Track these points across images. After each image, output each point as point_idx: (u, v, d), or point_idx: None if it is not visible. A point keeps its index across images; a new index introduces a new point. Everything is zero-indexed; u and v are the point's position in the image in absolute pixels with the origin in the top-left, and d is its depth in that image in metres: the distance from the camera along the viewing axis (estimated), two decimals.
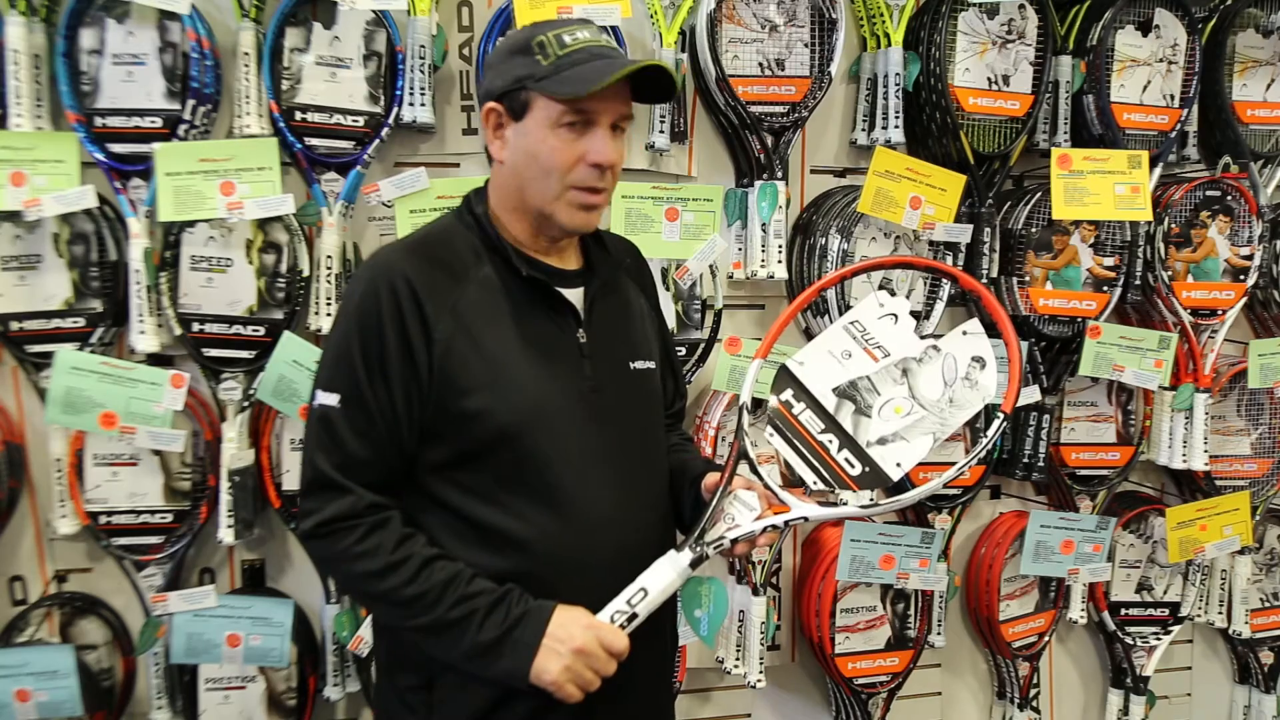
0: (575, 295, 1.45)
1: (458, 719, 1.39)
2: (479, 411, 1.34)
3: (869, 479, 1.29)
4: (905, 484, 1.31)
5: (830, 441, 1.30)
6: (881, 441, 1.29)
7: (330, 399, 1.34)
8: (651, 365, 1.54)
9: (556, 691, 1.29)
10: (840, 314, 2.21)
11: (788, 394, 1.33)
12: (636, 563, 1.37)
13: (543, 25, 1.38)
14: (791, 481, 1.37)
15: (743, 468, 1.40)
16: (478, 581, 1.33)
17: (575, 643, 1.28)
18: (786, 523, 1.33)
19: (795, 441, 1.33)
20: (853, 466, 1.29)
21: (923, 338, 1.35)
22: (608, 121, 1.36)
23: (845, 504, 1.32)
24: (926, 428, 1.29)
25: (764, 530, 1.34)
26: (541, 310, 1.42)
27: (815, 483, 1.33)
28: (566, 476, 1.38)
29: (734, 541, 1.35)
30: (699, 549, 1.34)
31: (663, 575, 1.32)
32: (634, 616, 1.31)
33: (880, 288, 2.34)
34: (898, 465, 1.28)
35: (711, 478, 1.44)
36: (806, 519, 1.32)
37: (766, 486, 1.37)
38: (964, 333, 1.33)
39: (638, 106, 2.30)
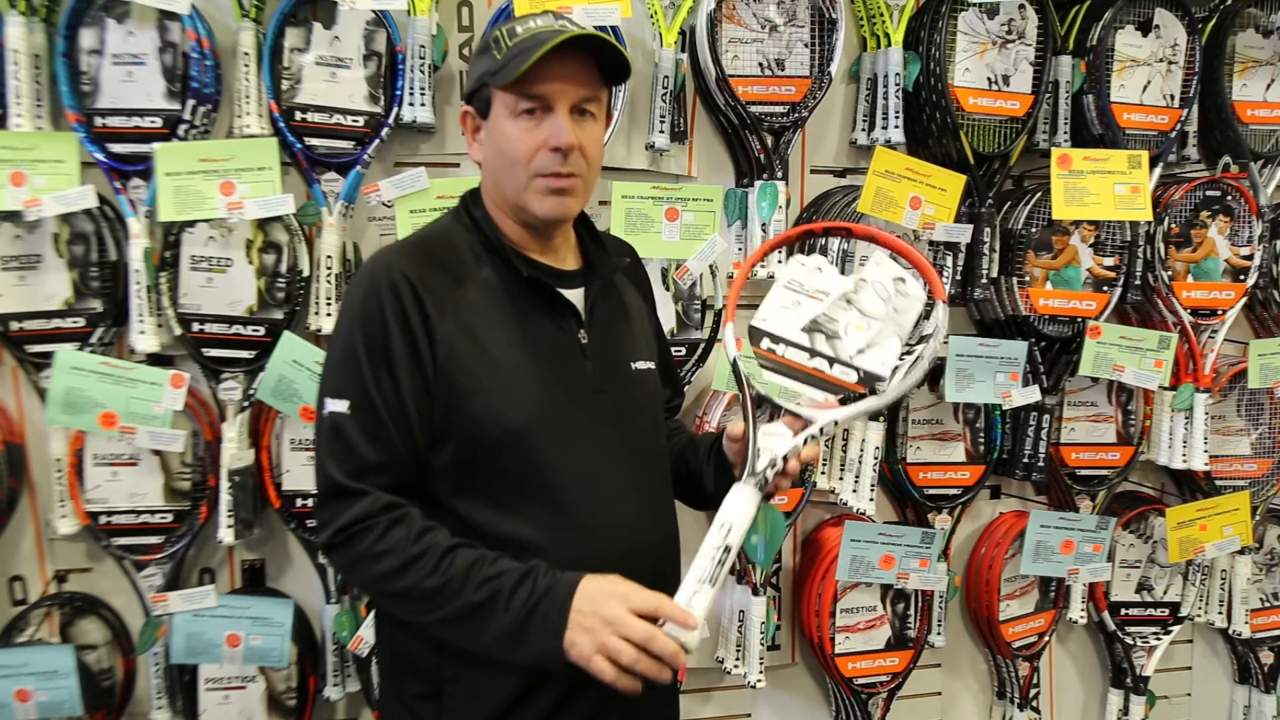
0: (576, 296, 1.45)
1: None
2: (480, 415, 1.33)
3: (868, 380, 1.44)
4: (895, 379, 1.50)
5: (821, 364, 1.45)
6: (860, 351, 1.45)
7: (339, 405, 1.31)
8: (651, 365, 1.54)
9: (588, 667, 1.23)
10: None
11: (765, 342, 1.46)
12: (646, 560, 1.36)
13: (507, 21, 1.39)
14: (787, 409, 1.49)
15: (761, 410, 1.46)
16: (501, 562, 1.29)
17: (602, 613, 1.22)
18: (822, 429, 1.40)
19: (793, 374, 1.46)
20: (849, 375, 1.45)
21: (846, 275, 1.52)
22: (566, 104, 1.34)
23: (859, 399, 1.46)
24: (889, 331, 1.46)
25: (806, 442, 1.38)
26: (542, 311, 1.41)
27: (827, 398, 1.44)
28: (572, 478, 1.37)
29: (785, 459, 1.36)
30: (759, 476, 1.34)
31: (740, 506, 1.32)
32: (728, 549, 1.28)
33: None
34: (883, 364, 1.44)
35: (734, 427, 1.44)
36: (836, 422, 1.41)
37: (788, 412, 1.41)
38: (876, 264, 1.50)
39: (640, 105, 2.32)
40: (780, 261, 2.14)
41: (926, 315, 1.52)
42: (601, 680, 1.23)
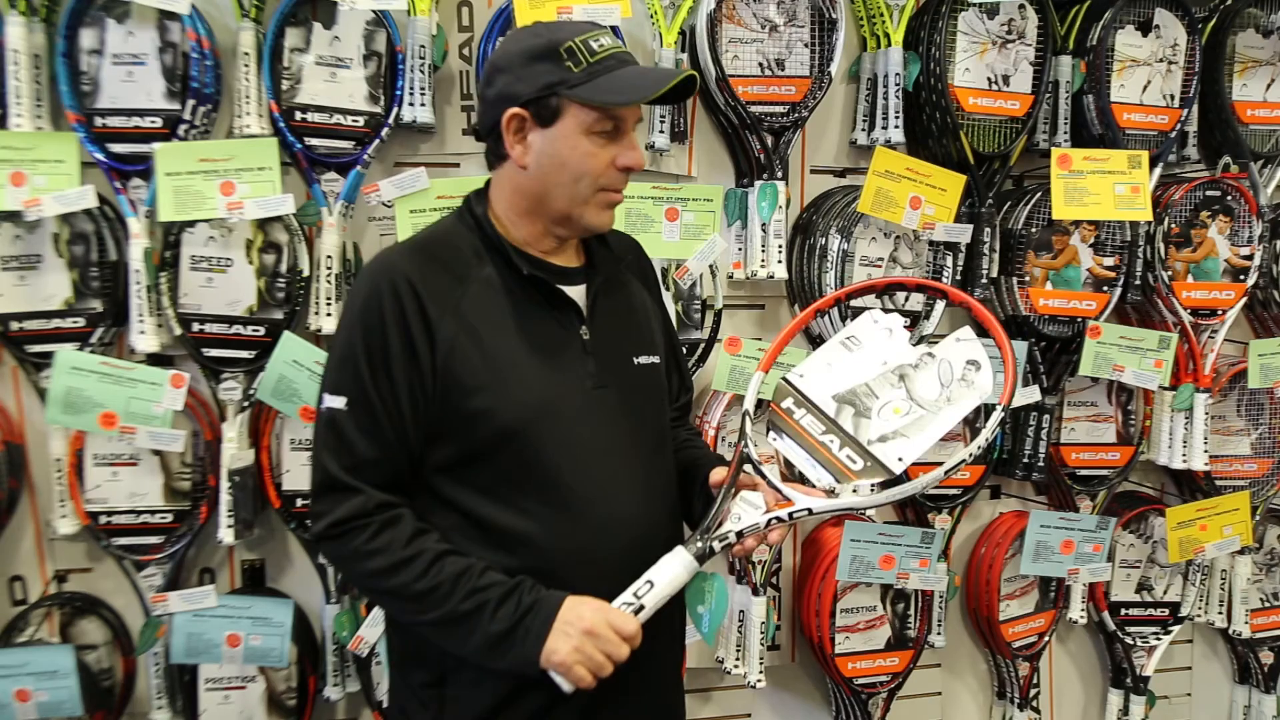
0: (577, 292, 1.46)
1: (468, 715, 1.40)
2: (482, 411, 1.35)
3: (871, 473, 1.31)
4: (906, 477, 1.33)
5: (831, 441, 1.33)
6: (882, 439, 1.32)
7: (337, 401, 1.35)
8: (656, 360, 1.55)
9: (566, 674, 1.29)
10: (841, 317, 2.22)
11: (788, 402, 1.37)
12: (645, 557, 1.37)
13: (559, 29, 1.38)
14: (791, 477, 1.41)
15: (747, 468, 1.42)
16: (489, 574, 1.33)
17: (585, 624, 1.28)
18: (791, 515, 1.34)
19: (796, 442, 1.36)
20: (854, 463, 1.31)
21: (917, 345, 1.37)
22: (633, 124, 1.40)
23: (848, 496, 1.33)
24: (926, 423, 1.32)
25: (770, 523, 1.35)
26: (544, 308, 1.43)
27: (818, 480, 1.35)
28: (571, 473, 1.39)
29: (740, 535, 1.35)
30: (706, 544, 1.34)
31: (670, 569, 1.33)
32: (640, 609, 1.31)
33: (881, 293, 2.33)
34: (899, 459, 1.31)
35: (717, 474, 1.45)
36: (811, 511, 1.33)
37: (770, 484, 1.38)
38: (957, 339, 1.35)
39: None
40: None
41: (973, 428, 1.33)
42: (571, 686, 1.29)
